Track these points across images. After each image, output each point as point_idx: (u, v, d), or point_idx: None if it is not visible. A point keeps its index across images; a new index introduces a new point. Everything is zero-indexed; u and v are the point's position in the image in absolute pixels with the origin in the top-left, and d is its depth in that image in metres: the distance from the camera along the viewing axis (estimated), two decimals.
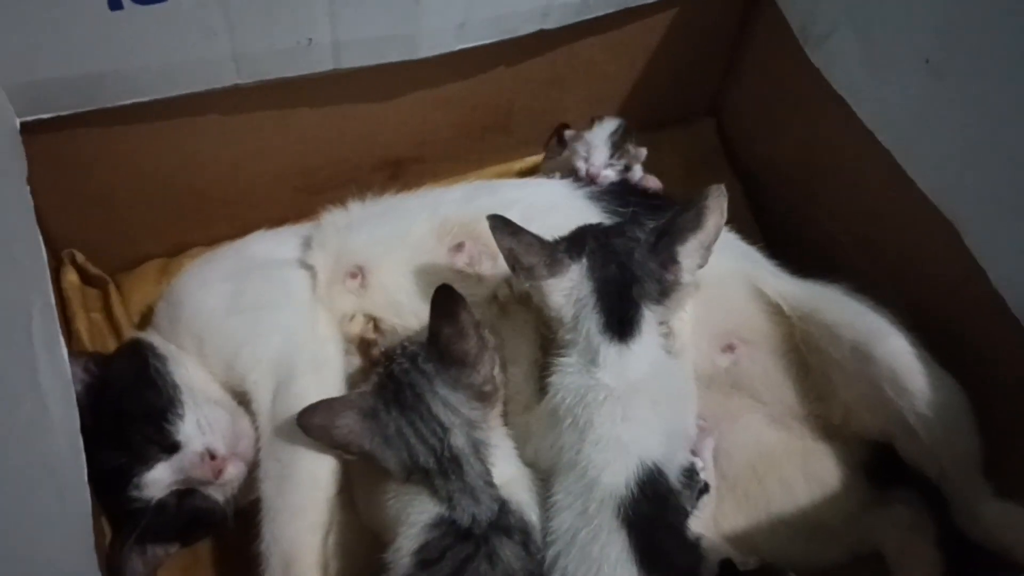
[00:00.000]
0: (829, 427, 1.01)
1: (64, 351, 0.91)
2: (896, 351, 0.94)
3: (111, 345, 1.15)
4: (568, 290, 0.89)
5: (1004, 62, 0.89)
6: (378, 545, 0.89)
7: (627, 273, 0.89)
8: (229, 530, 0.99)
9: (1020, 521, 0.89)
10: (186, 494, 0.95)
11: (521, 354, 0.98)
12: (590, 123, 1.27)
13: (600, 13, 1.16)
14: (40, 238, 0.96)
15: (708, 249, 0.91)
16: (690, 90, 1.45)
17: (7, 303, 0.80)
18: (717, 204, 0.90)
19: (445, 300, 0.89)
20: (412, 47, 1.07)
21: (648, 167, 1.27)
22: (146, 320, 1.15)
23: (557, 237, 0.93)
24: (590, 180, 1.20)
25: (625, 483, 0.83)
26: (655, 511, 0.83)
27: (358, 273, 1.06)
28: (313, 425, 0.89)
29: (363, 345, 1.04)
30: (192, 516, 0.96)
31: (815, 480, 0.99)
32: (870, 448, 1.00)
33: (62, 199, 1.06)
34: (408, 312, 1.03)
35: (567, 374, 0.88)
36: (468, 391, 0.88)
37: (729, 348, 1.04)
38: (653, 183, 1.27)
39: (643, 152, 1.26)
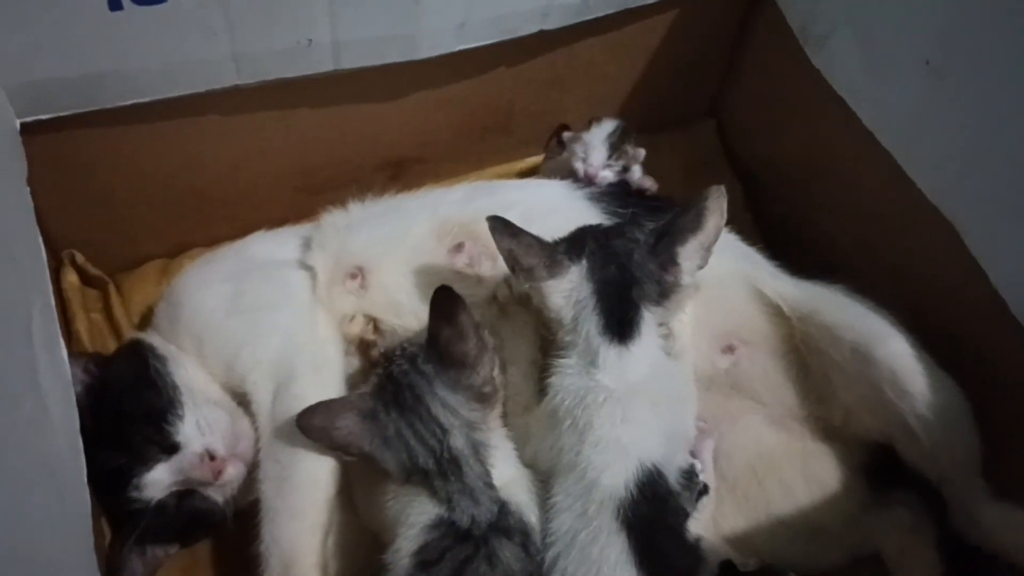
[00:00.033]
0: (829, 429, 1.01)
1: (64, 352, 0.91)
2: (896, 353, 0.94)
3: (111, 346, 1.15)
4: (568, 291, 0.89)
5: (1004, 63, 0.89)
6: (377, 546, 0.89)
7: (627, 274, 0.89)
8: (228, 531, 0.99)
9: (1019, 523, 0.89)
10: (186, 495, 0.95)
11: (520, 355, 0.98)
12: (588, 124, 1.27)
13: (600, 14, 1.16)
14: (40, 239, 0.96)
15: (708, 250, 0.91)
16: (690, 91, 1.45)
17: (7, 304, 0.80)
18: (717, 205, 0.90)
19: (444, 301, 0.89)
20: (412, 47, 1.07)
21: (648, 168, 1.27)
22: (146, 321, 1.15)
23: (557, 238, 0.93)
24: (588, 181, 1.20)
25: (625, 485, 0.83)
26: (655, 513, 0.83)
27: (358, 274, 1.06)
28: (313, 427, 0.89)
29: (363, 346, 1.04)
30: (192, 517, 0.96)
31: (815, 482, 0.99)
32: (870, 450, 1.00)
33: (62, 200, 1.06)
34: (408, 313, 1.03)
35: (567, 376, 0.88)
36: (467, 392, 0.88)
37: (729, 349, 1.04)
38: (649, 183, 1.26)
39: (641, 153, 1.26)
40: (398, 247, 1.06)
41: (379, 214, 1.10)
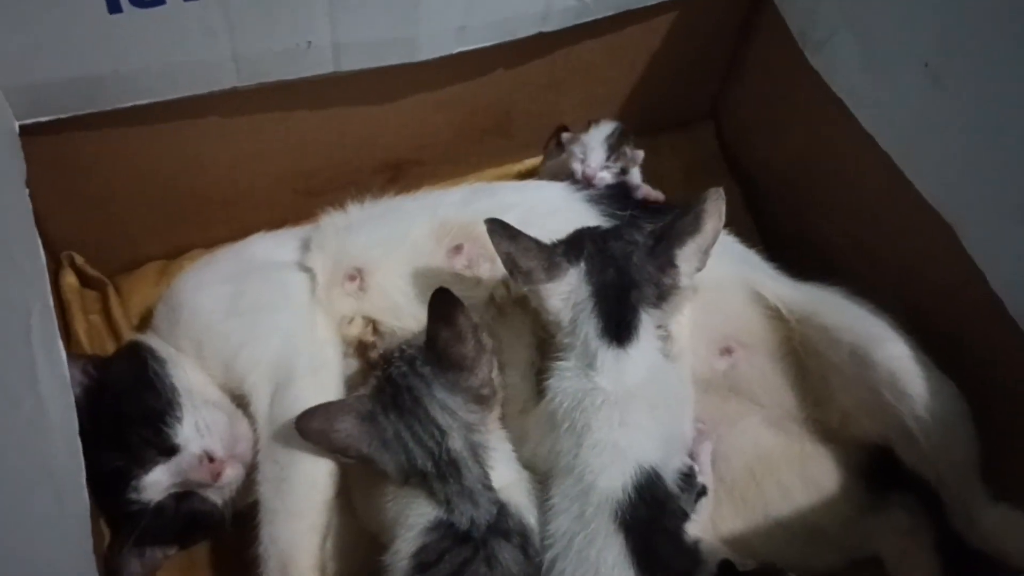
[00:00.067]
0: (827, 431, 1.01)
1: (63, 353, 0.91)
2: (895, 355, 0.94)
3: (110, 347, 1.15)
4: (566, 294, 0.89)
5: (1003, 65, 0.89)
6: (376, 547, 0.89)
7: (625, 277, 0.89)
8: (227, 532, 0.99)
9: (1018, 525, 0.89)
10: (184, 496, 0.95)
11: (518, 356, 0.98)
12: (587, 126, 1.27)
13: (599, 16, 1.16)
14: (39, 240, 0.96)
15: (706, 253, 0.91)
16: (689, 94, 1.45)
17: (6, 305, 0.80)
18: (715, 208, 0.90)
19: (443, 303, 0.89)
20: (412, 50, 1.07)
21: (647, 171, 1.27)
22: (145, 322, 1.15)
23: (555, 241, 0.93)
24: (586, 182, 1.20)
25: (622, 487, 0.83)
26: (652, 515, 0.83)
27: (357, 275, 1.06)
28: (311, 429, 0.89)
29: (361, 347, 1.04)
30: (190, 518, 0.96)
31: (813, 484, 0.99)
32: (868, 452, 1.00)
33: (61, 201, 1.06)
34: (407, 314, 1.03)
35: (565, 378, 0.88)
36: (466, 394, 0.88)
37: (727, 352, 1.03)
38: (655, 196, 1.25)
39: (640, 154, 1.26)
40: (397, 249, 1.06)
41: (378, 216, 1.10)
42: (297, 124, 1.14)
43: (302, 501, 0.93)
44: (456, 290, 0.90)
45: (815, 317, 1.00)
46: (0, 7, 0.84)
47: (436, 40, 1.07)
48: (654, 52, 1.31)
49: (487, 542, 0.83)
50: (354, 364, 1.04)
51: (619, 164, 1.23)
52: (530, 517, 0.87)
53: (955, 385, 0.94)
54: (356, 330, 1.05)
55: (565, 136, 1.31)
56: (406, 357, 0.91)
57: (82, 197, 1.10)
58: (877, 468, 0.99)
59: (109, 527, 0.96)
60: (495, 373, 0.93)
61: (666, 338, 0.92)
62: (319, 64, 1.03)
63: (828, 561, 0.99)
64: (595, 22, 1.16)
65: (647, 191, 1.24)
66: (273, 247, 1.13)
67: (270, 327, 1.03)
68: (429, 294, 0.90)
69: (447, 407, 0.88)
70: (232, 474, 0.96)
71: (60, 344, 0.91)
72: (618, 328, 0.87)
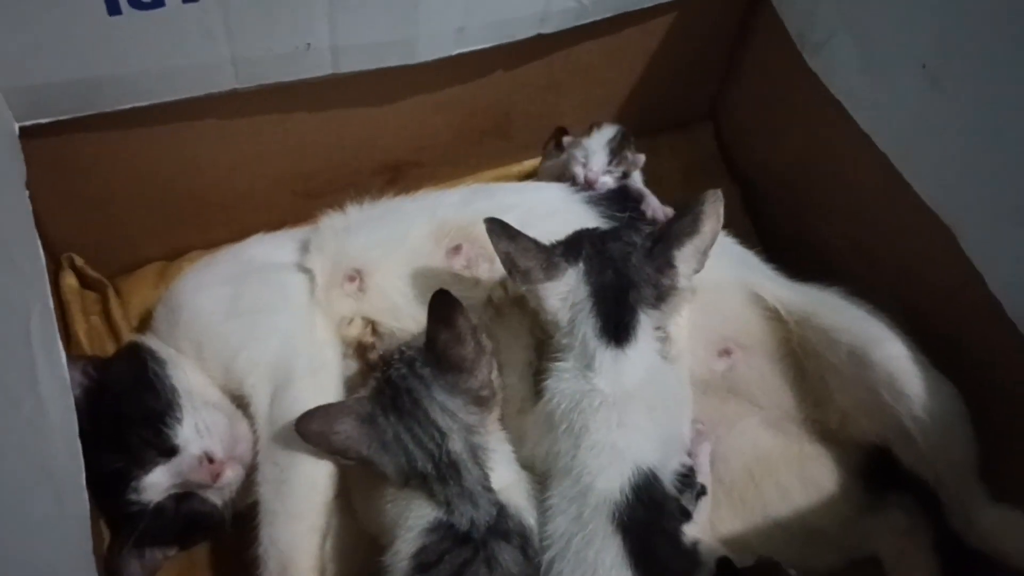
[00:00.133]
0: (826, 432, 1.01)
1: (63, 354, 0.91)
2: (893, 355, 0.94)
3: (110, 348, 1.15)
4: (564, 294, 0.89)
5: (1001, 67, 0.89)
6: (376, 548, 0.89)
7: (623, 278, 0.89)
8: (227, 533, 0.99)
9: (1016, 525, 0.89)
10: (184, 497, 0.95)
11: (516, 357, 0.99)
12: (588, 129, 1.27)
13: (598, 18, 1.16)
14: (39, 242, 0.96)
15: (705, 254, 0.91)
16: (688, 95, 1.45)
17: (6, 306, 0.80)
18: (714, 209, 0.90)
19: (442, 305, 0.89)
20: (411, 51, 1.07)
21: (646, 172, 1.27)
22: (145, 323, 1.15)
23: (554, 241, 0.93)
24: (588, 187, 1.19)
25: (620, 488, 0.83)
26: (650, 516, 0.83)
27: (356, 277, 1.06)
28: (311, 431, 0.89)
29: (361, 349, 1.04)
30: (190, 519, 0.96)
31: (812, 485, 0.99)
32: (867, 453, 1.00)
33: (61, 203, 1.06)
34: (406, 315, 1.03)
35: (563, 379, 0.88)
36: (466, 396, 0.89)
37: (725, 353, 1.04)
38: (664, 213, 1.20)
39: (641, 158, 1.26)
40: (396, 250, 1.06)
41: (377, 217, 1.10)
42: (296, 126, 1.14)
43: (302, 502, 0.94)
44: (454, 291, 0.90)
45: (813, 318, 1.00)
46: (0, 9, 0.84)
47: (435, 42, 1.07)
48: (652, 53, 1.31)
49: (487, 543, 0.83)
50: (353, 365, 1.04)
51: (621, 168, 1.22)
52: (530, 518, 0.87)
53: (953, 385, 0.94)
54: (355, 331, 1.05)
55: (566, 140, 1.31)
56: (405, 359, 0.91)
57: (82, 199, 1.10)
58: (875, 468, 1.00)
59: (109, 528, 0.97)
60: (495, 375, 0.93)
61: (664, 339, 0.92)
62: (318, 66, 1.03)
63: (827, 561, 0.99)
64: (594, 24, 1.16)
65: (656, 208, 1.21)
66: (272, 248, 1.13)
67: (269, 328, 1.03)
68: (428, 295, 0.90)
69: (447, 409, 0.88)
70: (232, 475, 0.96)
71: (60, 345, 0.91)
72: (616, 329, 0.87)
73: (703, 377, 1.02)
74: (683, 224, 0.91)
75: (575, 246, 0.91)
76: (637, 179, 1.26)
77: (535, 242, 0.91)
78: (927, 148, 0.99)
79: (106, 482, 0.91)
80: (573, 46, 1.23)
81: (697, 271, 0.91)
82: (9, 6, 0.84)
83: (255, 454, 0.97)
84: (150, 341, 1.04)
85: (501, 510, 0.86)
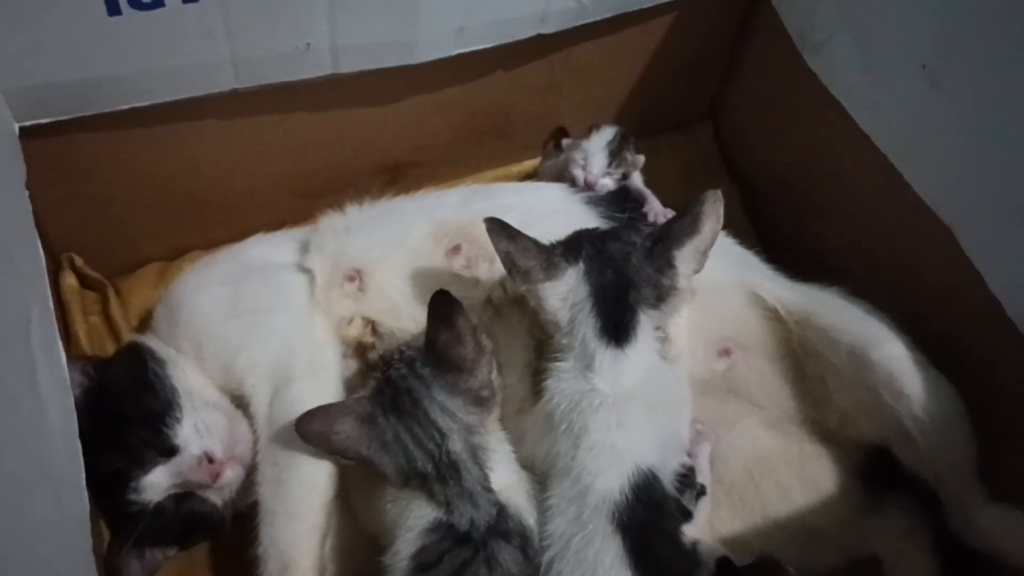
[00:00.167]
0: (825, 432, 1.01)
1: (62, 354, 0.91)
2: (893, 355, 0.94)
3: (110, 349, 1.15)
4: (564, 294, 0.89)
5: (1001, 67, 0.89)
6: (375, 549, 0.89)
7: (623, 278, 0.89)
8: (227, 533, 0.99)
9: (1016, 526, 0.89)
10: (184, 497, 0.95)
11: (515, 357, 0.98)
12: (588, 131, 1.26)
13: (598, 18, 1.16)
14: (39, 242, 0.96)
15: (704, 254, 0.91)
16: (688, 95, 1.45)
17: (6, 307, 0.80)
18: (713, 209, 0.91)
19: (442, 305, 0.89)
20: (411, 52, 1.07)
21: (646, 172, 1.27)
22: (145, 324, 1.16)
23: (554, 241, 0.93)
24: (588, 188, 1.19)
25: (619, 489, 0.83)
26: (650, 517, 0.83)
27: (356, 277, 1.06)
28: (311, 431, 0.89)
29: (360, 349, 1.04)
30: (190, 519, 0.96)
31: (811, 485, 0.99)
32: (866, 453, 1.00)
33: (61, 203, 1.06)
34: (406, 316, 1.03)
35: (562, 379, 0.88)
36: (465, 396, 0.89)
37: (725, 353, 1.03)
38: (665, 216, 1.19)
39: (641, 159, 1.26)
40: (396, 250, 1.06)
41: (377, 217, 1.10)
42: (296, 126, 1.14)
43: (302, 503, 0.94)
44: (454, 291, 0.91)
45: (813, 318, 1.00)
46: (0, 9, 0.84)
47: (435, 42, 1.07)
48: (652, 54, 1.31)
49: (487, 543, 0.83)
50: (353, 365, 1.05)
51: (620, 170, 1.22)
52: (530, 518, 0.87)
53: (953, 386, 0.94)
54: (355, 331, 1.05)
55: (566, 142, 1.31)
56: (405, 359, 0.91)
57: (82, 199, 1.10)
58: (875, 469, 1.00)
59: (109, 528, 0.97)
60: (495, 375, 0.93)
61: (664, 340, 0.92)
62: (318, 66, 1.03)
63: (826, 561, 0.99)
64: (593, 24, 1.16)
65: (658, 211, 1.21)
66: (272, 249, 1.14)
67: (269, 328, 1.03)
68: (428, 295, 0.90)
69: (447, 409, 0.88)
70: (231, 475, 0.96)
71: (60, 345, 0.91)
72: (616, 329, 0.87)
73: (703, 377, 1.02)
74: (683, 224, 0.91)
75: (575, 246, 0.91)
76: (637, 180, 1.26)
77: (535, 242, 0.91)
78: (927, 148, 0.99)
79: (106, 482, 0.91)
80: (573, 46, 1.23)
81: (697, 271, 0.91)
82: (9, 6, 0.84)
83: (255, 454, 0.97)
84: (150, 341, 1.04)
85: (501, 510, 0.86)
